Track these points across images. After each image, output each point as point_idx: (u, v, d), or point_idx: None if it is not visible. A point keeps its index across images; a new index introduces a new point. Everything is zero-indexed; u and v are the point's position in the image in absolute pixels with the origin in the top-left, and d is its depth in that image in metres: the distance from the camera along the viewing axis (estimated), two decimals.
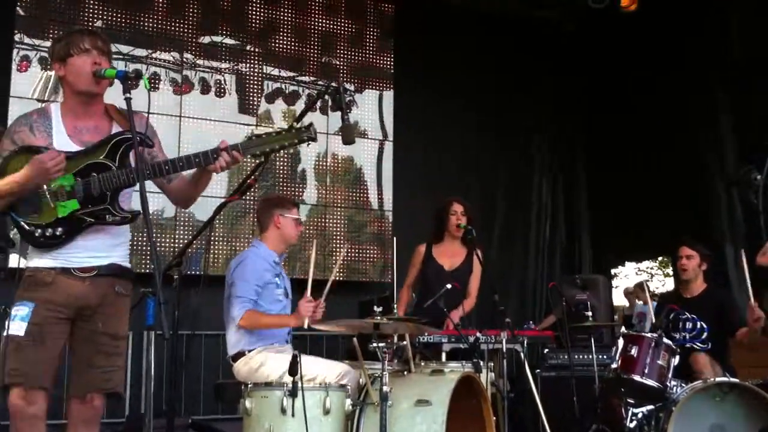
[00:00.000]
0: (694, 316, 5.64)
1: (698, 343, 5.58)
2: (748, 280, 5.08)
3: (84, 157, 3.23)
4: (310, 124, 3.26)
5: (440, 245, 5.81)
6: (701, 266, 5.79)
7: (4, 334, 3.15)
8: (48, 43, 6.63)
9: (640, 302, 11.57)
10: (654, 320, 5.54)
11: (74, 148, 3.23)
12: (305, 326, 4.32)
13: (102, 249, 3.30)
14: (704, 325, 5.59)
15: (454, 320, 5.11)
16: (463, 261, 5.77)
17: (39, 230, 3.19)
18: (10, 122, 4.22)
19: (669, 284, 19.92)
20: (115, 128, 3.33)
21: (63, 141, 3.24)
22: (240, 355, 4.54)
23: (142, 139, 3.21)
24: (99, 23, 6.91)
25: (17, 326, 3.13)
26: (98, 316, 3.27)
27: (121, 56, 6.94)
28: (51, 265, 3.22)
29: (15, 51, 6.55)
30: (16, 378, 3.11)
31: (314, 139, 3.28)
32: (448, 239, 5.79)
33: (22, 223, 3.20)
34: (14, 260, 4.94)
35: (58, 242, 3.20)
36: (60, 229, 3.19)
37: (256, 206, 6.81)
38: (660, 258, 18.03)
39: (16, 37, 6.57)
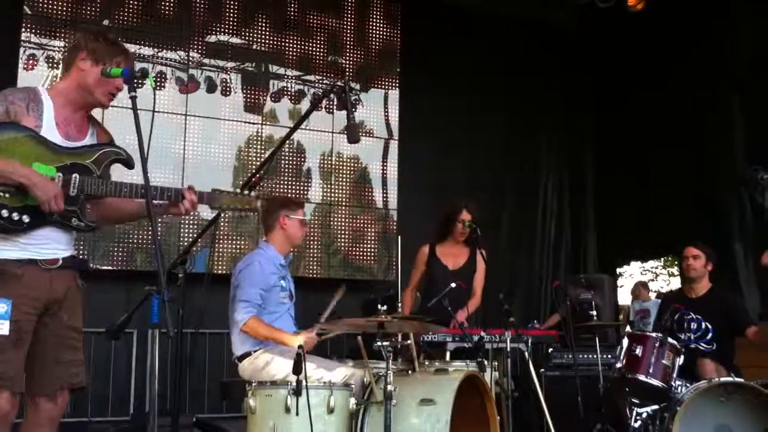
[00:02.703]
0: (699, 317, 5.63)
1: (703, 344, 5.57)
2: None
3: (70, 155, 3.20)
4: (258, 197, 3.58)
5: (443, 246, 5.82)
6: (707, 266, 5.79)
7: None
8: (55, 42, 6.66)
9: (639, 300, 11.62)
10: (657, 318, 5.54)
11: (58, 137, 3.18)
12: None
13: (64, 242, 3.25)
14: (709, 326, 5.58)
15: (459, 320, 5.12)
16: (467, 261, 5.78)
17: (5, 211, 3.05)
18: None
19: (674, 284, 19.93)
20: (90, 136, 3.33)
21: (51, 127, 3.18)
22: (246, 355, 4.55)
23: (125, 160, 3.30)
24: (106, 21, 6.93)
25: None
26: (63, 310, 3.21)
27: None
28: (19, 257, 3.10)
29: (22, 50, 6.56)
30: (5, 382, 3.00)
31: (257, 211, 3.62)
32: (452, 241, 5.80)
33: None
34: None
35: (19, 229, 3.09)
36: (26, 216, 3.09)
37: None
38: (665, 258, 18.00)
39: (23, 36, 6.58)
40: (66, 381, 3.20)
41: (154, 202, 3.23)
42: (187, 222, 7.00)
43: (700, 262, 5.75)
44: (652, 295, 13.39)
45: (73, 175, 3.18)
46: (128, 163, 3.32)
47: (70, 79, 3.28)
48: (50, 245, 3.19)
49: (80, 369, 3.26)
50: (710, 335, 5.58)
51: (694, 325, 5.64)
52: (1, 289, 3.04)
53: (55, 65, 6.66)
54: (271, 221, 4.83)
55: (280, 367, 4.35)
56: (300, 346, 3.81)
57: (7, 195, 3.08)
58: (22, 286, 3.08)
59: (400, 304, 4.62)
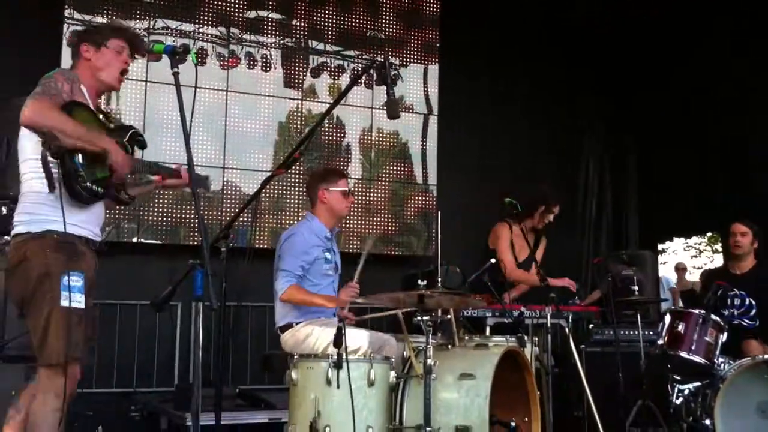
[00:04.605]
0: (743, 292, 5.57)
1: (746, 320, 5.52)
2: None
3: (114, 135, 3.40)
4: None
5: (516, 230, 5.88)
6: (753, 244, 5.74)
7: (64, 304, 3.11)
8: (99, 19, 6.73)
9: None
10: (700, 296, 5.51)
11: None
12: (342, 313, 4.30)
13: (101, 224, 3.46)
14: (752, 302, 5.53)
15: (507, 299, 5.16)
16: (528, 255, 5.88)
17: (91, 183, 3.23)
18: None
19: (718, 261, 19.63)
20: None
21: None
22: (288, 326, 4.60)
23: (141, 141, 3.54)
24: (137, 33, 6.94)
25: (78, 298, 3.12)
26: (91, 293, 3.34)
27: (168, 31, 7.00)
28: (81, 234, 3.28)
29: (65, 26, 6.64)
30: (79, 353, 3.16)
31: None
32: (525, 226, 5.88)
33: (82, 173, 3.21)
34: None
35: (94, 199, 3.28)
36: (100, 188, 3.28)
37: (304, 180, 6.88)
38: (709, 234, 17.74)
39: (66, 12, 6.65)
40: (85, 357, 3.33)
41: (152, 177, 3.60)
42: (229, 197, 7.08)
43: (748, 239, 5.70)
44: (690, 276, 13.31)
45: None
46: (143, 145, 3.56)
47: (82, 68, 3.46)
48: (97, 225, 3.39)
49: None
50: (754, 311, 5.53)
51: (737, 301, 5.60)
52: (76, 263, 3.19)
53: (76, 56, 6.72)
54: (313, 196, 4.86)
55: (321, 339, 4.40)
56: (341, 320, 3.85)
57: (82, 171, 3.22)
58: (85, 262, 3.26)
59: (439, 278, 4.59)
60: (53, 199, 3.17)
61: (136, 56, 3.59)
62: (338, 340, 3.76)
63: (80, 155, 3.20)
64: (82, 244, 3.25)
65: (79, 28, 6.62)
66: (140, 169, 3.58)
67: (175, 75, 3.11)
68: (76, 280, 3.14)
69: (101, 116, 3.43)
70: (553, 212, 5.76)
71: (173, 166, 3.75)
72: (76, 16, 6.69)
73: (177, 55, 3.16)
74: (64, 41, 6.58)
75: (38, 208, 3.21)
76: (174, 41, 6.80)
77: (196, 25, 7.14)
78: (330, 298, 4.58)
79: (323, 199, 4.78)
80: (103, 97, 3.86)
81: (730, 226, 5.85)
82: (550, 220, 5.79)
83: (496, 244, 5.96)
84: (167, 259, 6.39)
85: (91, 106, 3.38)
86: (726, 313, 5.48)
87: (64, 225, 3.16)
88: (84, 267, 3.21)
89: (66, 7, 6.65)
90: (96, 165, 3.26)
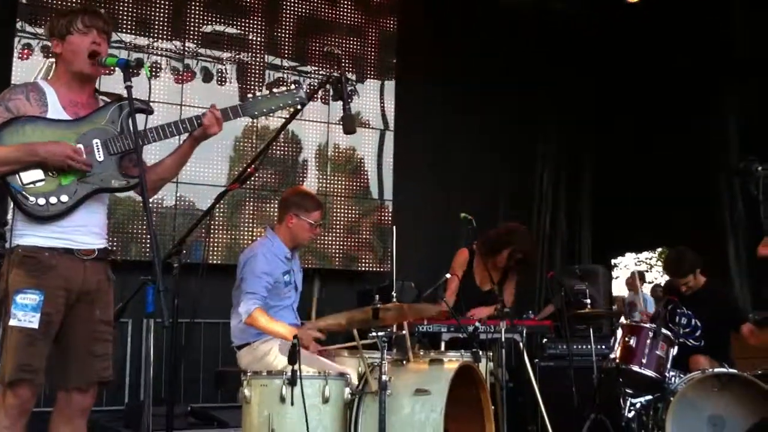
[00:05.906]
0: (690, 312, 5.65)
1: (692, 339, 5.60)
2: None
3: (84, 124, 3.18)
4: (299, 84, 3.49)
5: (479, 262, 5.74)
6: (698, 276, 5.75)
7: (11, 323, 2.97)
8: None
9: (632, 292, 11.68)
10: (644, 309, 5.56)
11: (68, 118, 3.18)
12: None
13: (99, 229, 3.24)
14: (698, 323, 5.60)
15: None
16: (495, 286, 5.78)
17: (42, 199, 3.05)
18: None
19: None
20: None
21: (58, 111, 3.17)
22: (245, 344, 4.55)
23: (143, 108, 3.25)
24: (101, 11, 6.88)
25: (29, 317, 2.97)
26: (96, 303, 3.19)
27: (122, 45, 6.93)
28: (53, 245, 3.08)
29: (16, 39, 6.53)
30: (28, 375, 2.99)
31: (305, 102, 3.46)
32: (488, 263, 5.75)
33: (23, 193, 3.04)
34: None
35: (63, 212, 3.07)
36: (65, 196, 3.08)
37: (258, 195, 6.82)
38: (660, 249, 18.05)
39: (18, 25, 6.56)
40: (100, 375, 3.21)
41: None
42: (182, 212, 7.00)
43: (692, 283, 5.73)
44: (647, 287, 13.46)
45: (93, 141, 3.17)
46: (144, 110, 3.27)
47: (57, 66, 3.28)
48: (83, 232, 3.16)
49: (110, 362, 3.25)
50: (699, 332, 5.60)
51: (684, 320, 5.66)
52: (34, 280, 3.02)
53: (50, 54, 6.64)
54: (282, 214, 4.77)
55: (278, 357, 4.36)
56: (296, 336, 3.82)
57: (40, 184, 3.06)
58: (54, 276, 3.07)
59: (395, 294, 4.59)
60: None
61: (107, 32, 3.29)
62: (293, 357, 3.72)
63: (19, 177, 3.04)
64: (57, 256, 3.08)
65: (32, 41, 6.54)
66: (152, 137, 3.28)
67: (128, 89, 3.06)
68: (32, 298, 2.99)
69: (69, 118, 3.19)
70: (515, 258, 5.74)
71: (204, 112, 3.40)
72: (28, 29, 6.59)
73: (130, 69, 3.10)
74: (15, 54, 6.49)
75: (14, 223, 3.09)
76: (128, 55, 6.73)
77: (151, 39, 7.07)
78: (291, 330, 4.52)
79: (289, 224, 4.71)
80: None
81: (670, 278, 5.89)
82: (513, 264, 5.76)
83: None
84: (118, 275, 6.26)
85: (59, 105, 3.18)
86: (674, 328, 5.56)
87: (10, 238, 3.05)
88: (49, 283, 3.04)
89: (18, 20, 6.55)
90: (58, 174, 3.09)
